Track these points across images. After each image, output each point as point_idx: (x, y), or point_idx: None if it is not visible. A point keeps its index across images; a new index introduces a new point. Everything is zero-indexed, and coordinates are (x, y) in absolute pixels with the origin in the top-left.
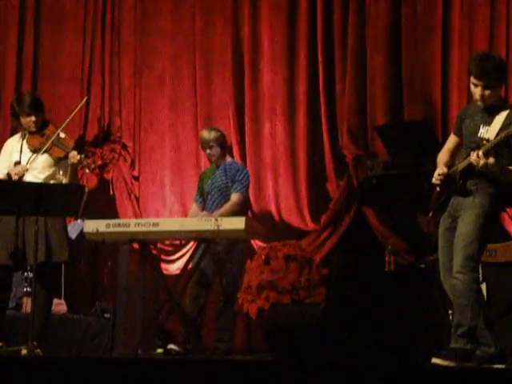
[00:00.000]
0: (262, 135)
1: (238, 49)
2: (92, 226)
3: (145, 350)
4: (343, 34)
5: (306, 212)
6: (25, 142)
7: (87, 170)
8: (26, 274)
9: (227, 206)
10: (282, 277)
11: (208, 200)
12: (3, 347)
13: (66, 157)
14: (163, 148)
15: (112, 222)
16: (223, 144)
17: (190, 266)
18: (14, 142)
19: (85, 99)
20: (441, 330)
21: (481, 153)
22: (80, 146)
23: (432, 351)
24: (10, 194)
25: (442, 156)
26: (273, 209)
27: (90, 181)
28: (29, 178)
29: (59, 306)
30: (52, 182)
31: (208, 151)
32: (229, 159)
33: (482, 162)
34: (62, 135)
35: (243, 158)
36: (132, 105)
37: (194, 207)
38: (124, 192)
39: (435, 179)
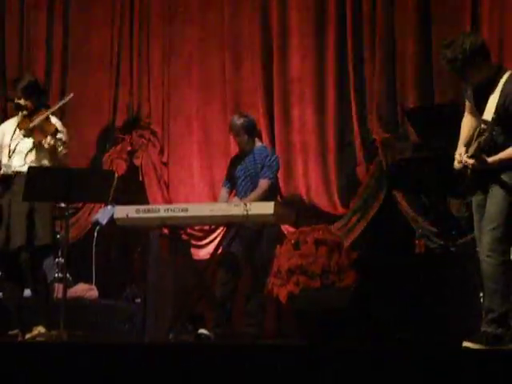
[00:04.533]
0: (291, 120)
1: (267, 34)
2: (122, 211)
3: (176, 335)
4: (372, 17)
5: (335, 196)
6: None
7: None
8: (57, 259)
9: (256, 193)
10: (311, 261)
11: (238, 185)
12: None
13: None
14: (192, 134)
15: (142, 207)
16: (252, 130)
17: (219, 250)
18: (10, 124)
19: (70, 95)
20: (472, 313)
21: (465, 158)
22: (109, 133)
23: (463, 334)
24: (42, 179)
25: (462, 135)
26: (302, 193)
27: (119, 167)
28: (15, 160)
29: (90, 291)
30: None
31: (237, 139)
32: (259, 144)
33: (470, 164)
34: (54, 120)
35: (272, 143)
36: (161, 91)
37: (223, 192)
38: (153, 178)
39: (456, 165)
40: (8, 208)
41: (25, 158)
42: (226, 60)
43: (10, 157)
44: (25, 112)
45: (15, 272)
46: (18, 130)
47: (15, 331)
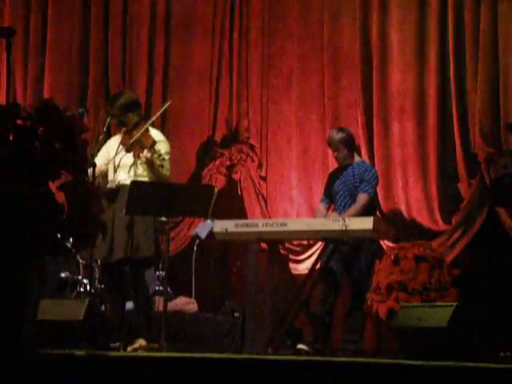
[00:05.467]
0: (390, 134)
1: (366, 48)
2: (221, 225)
3: (274, 350)
4: (474, 30)
5: (436, 212)
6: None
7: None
8: (157, 272)
9: (354, 207)
10: (411, 277)
11: (337, 200)
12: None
13: None
14: (290, 148)
15: (241, 222)
16: (350, 145)
17: (318, 265)
18: (114, 141)
19: (168, 103)
20: None
21: None
22: (208, 148)
23: None
24: (144, 194)
25: None
26: (402, 209)
27: (218, 181)
28: (120, 175)
29: (190, 304)
30: (140, 179)
31: (335, 153)
32: (357, 159)
33: None
34: (153, 132)
35: (372, 157)
36: (259, 106)
37: (320, 207)
38: (252, 192)
39: None
40: (111, 221)
41: (128, 172)
42: (325, 74)
43: (115, 171)
44: (125, 128)
45: (117, 285)
46: (120, 145)
47: (117, 344)
